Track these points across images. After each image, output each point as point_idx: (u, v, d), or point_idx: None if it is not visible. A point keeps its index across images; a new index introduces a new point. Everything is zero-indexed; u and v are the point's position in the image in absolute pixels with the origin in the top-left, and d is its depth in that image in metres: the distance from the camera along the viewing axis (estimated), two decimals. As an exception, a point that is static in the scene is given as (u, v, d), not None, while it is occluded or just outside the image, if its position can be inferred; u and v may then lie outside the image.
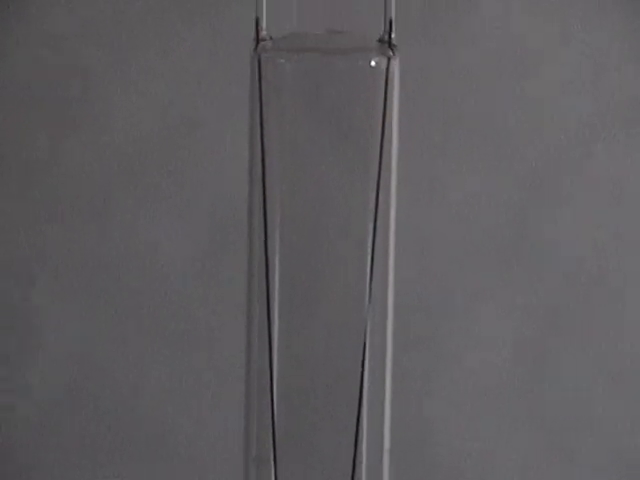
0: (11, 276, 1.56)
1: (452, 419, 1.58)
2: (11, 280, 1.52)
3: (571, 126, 1.50)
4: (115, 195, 1.54)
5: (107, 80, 1.56)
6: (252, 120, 0.95)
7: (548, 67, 1.54)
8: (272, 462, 0.94)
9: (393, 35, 0.95)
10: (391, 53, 0.95)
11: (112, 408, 1.59)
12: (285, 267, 0.94)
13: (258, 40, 0.94)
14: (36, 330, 1.56)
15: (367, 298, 0.92)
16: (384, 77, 0.95)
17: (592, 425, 1.58)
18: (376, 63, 0.96)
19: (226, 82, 1.28)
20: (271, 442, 0.94)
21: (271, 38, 0.96)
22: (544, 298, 1.53)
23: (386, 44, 0.96)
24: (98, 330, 1.58)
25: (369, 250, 0.93)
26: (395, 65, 0.95)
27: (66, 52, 1.60)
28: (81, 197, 1.57)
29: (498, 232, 1.46)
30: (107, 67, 1.56)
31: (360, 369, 0.89)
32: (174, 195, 1.52)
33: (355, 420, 0.89)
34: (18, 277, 1.52)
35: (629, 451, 1.59)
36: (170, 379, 1.59)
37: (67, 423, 1.58)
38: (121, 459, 1.53)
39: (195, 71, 1.53)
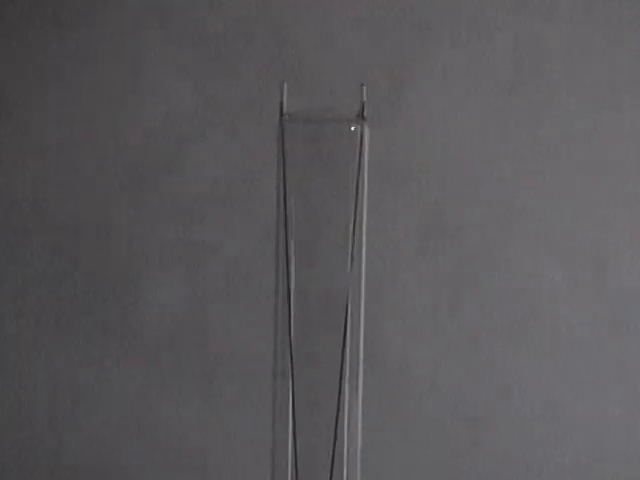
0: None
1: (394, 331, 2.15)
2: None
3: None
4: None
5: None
6: (278, 164, 1.46)
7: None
8: (290, 374, 1.45)
9: (365, 112, 1.45)
10: (363, 123, 1.45)
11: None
12: (299, 252, 1.45)
13: (282, 114, 1.46)
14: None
15: (349, 268, 1.43)
16: (359, 138, 1.45)
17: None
18: (354, 129, 1.46)
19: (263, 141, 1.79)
20: (289, 360, 1.45)
21: (288, 114, 1.45)
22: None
23: (361, 117, 1.46)
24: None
25: (350, 244, 1.43)
26: (366, 130, 1.45)
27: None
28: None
29: (421, 230, 2.05)
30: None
31: (345, 308, 1.42)
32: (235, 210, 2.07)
33: (342, 339, 1.43)
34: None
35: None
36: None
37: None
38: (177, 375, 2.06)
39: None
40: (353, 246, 1.45)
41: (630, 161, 2.10)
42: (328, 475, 1.49)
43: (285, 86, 1.46)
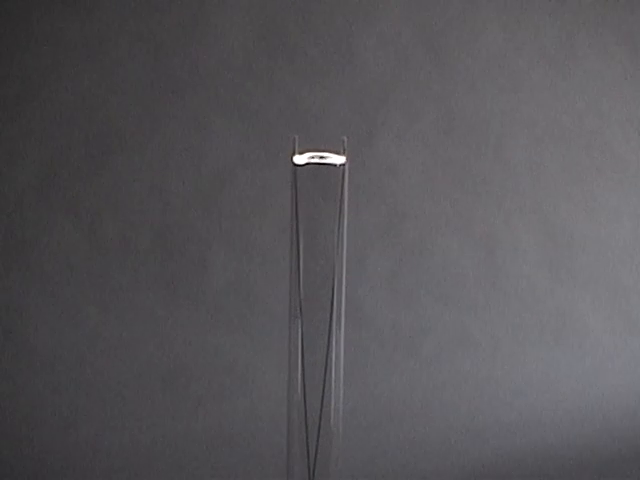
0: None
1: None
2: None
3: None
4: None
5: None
6: (292, 185, 2.02)
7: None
8: (300, 317, 2.01)
9: (345, 153, 2.01)
10: (344, 159, 2.00)
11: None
12: (305, 240, 2.01)
13: (293, 154, 2.01)
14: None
15: (336, 250, 2.01)
16: (342, 170, 2.01)
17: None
18: (339, 163, 2.00)
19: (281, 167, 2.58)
20: (299, 306, 2.01)
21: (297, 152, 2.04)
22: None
23: (342, 154, 2.01)
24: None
25: (336, 234, 2.00)
26: (347, 164, 2.00)
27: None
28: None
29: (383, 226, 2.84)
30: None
31: (332, 275, 2.00)
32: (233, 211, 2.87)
33: (331, 297, 2.02)
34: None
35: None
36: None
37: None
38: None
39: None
40: (338, 236, 2.01)
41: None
42: (322, 380, 2.04)
43: (296, 138, 2.02)
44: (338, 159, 2.00)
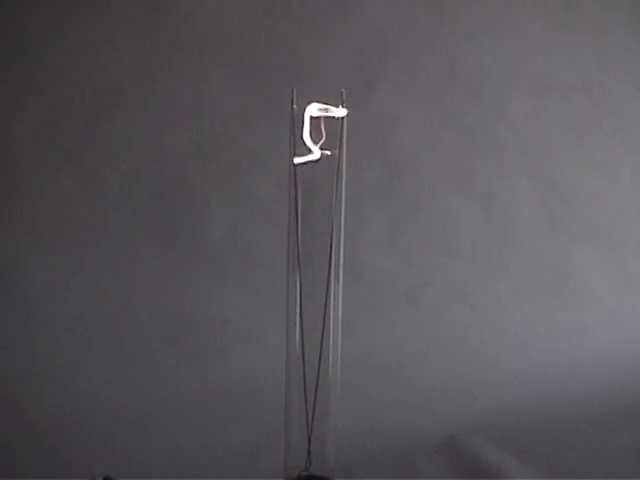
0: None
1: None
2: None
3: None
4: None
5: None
6: (290, 135, 2.01)
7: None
8: (298, 271, 2.03)
9: (344, 104, 2.00)
10: (345, 111, 2.00)
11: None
12: (303, 191, 2.01)
13: (292, 107, 2.02)
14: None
15: (334, 203, 2.03)
16: (341, 120, 2.00)
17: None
18: (338, 114, 2.00)
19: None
20: (297, 262, 2.02)
21: (296, 107, 2.02)
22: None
23: (342, 107, 2.01)
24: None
25: (335, 186, 2.00)
26: (345, 115, 2.00)
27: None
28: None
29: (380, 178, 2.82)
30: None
31: (331, 228, 2.01)
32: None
33: (329, 249, 2.04)
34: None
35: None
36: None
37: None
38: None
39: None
40: (336, 187, 2.02)
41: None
42: (321, 333, 2.06)
43: (295, 90, 2.02)
44: (340, 111, 2.00)
